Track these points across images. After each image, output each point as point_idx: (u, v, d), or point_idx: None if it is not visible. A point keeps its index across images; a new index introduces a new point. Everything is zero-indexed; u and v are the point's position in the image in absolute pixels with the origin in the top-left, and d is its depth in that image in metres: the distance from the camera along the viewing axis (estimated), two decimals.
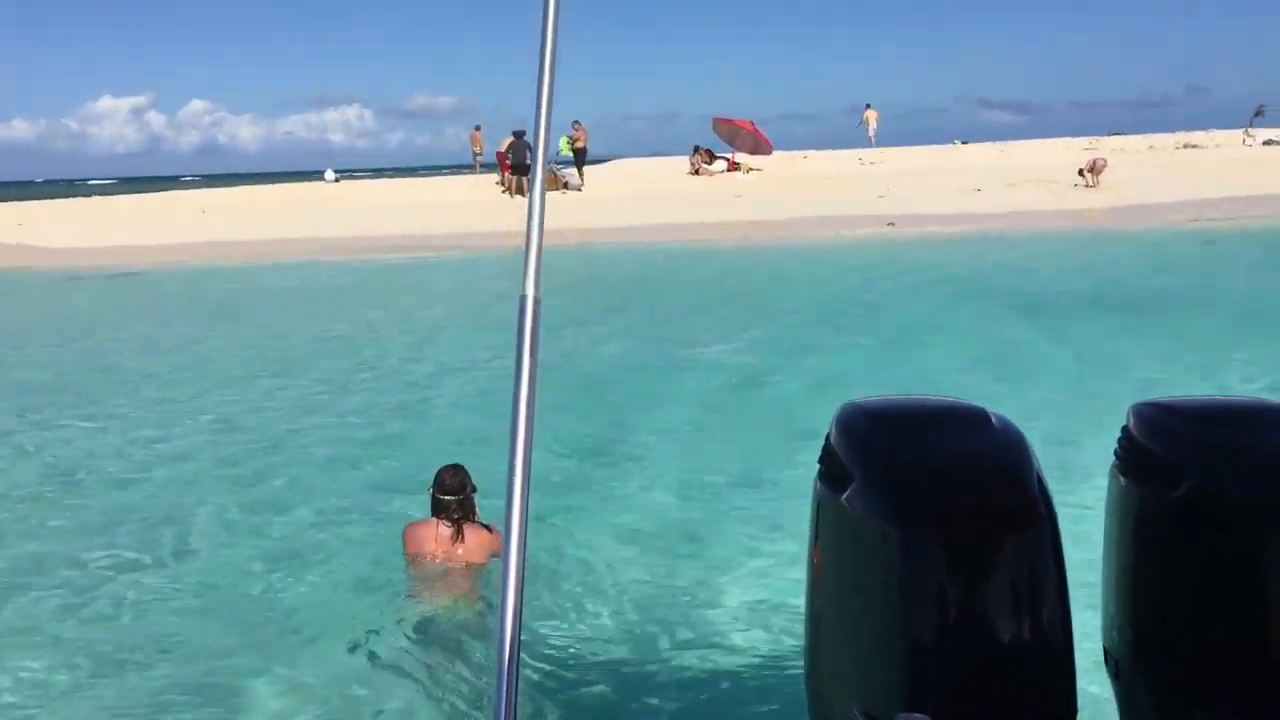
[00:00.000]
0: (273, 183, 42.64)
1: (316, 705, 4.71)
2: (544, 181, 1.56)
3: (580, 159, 33.33)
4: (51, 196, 41.59)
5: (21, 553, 6.66)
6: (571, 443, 8.22)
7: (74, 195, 43.94)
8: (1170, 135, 42.50)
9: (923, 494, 1.23)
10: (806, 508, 1.33)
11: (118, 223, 28.93)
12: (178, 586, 6.09)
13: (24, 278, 21.70)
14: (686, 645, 5.14)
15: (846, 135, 45.94)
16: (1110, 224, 24.05)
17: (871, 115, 42.22)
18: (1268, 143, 37.94)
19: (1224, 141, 39.85)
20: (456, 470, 5.54)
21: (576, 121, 32.89)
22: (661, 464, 7.97)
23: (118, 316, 16.89)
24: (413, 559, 5.57)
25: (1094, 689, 1.36)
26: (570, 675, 4.88)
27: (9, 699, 4.84)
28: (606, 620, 5.42)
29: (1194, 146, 39.68)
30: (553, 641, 5.14)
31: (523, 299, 1.46)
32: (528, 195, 1.60)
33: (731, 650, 5.05)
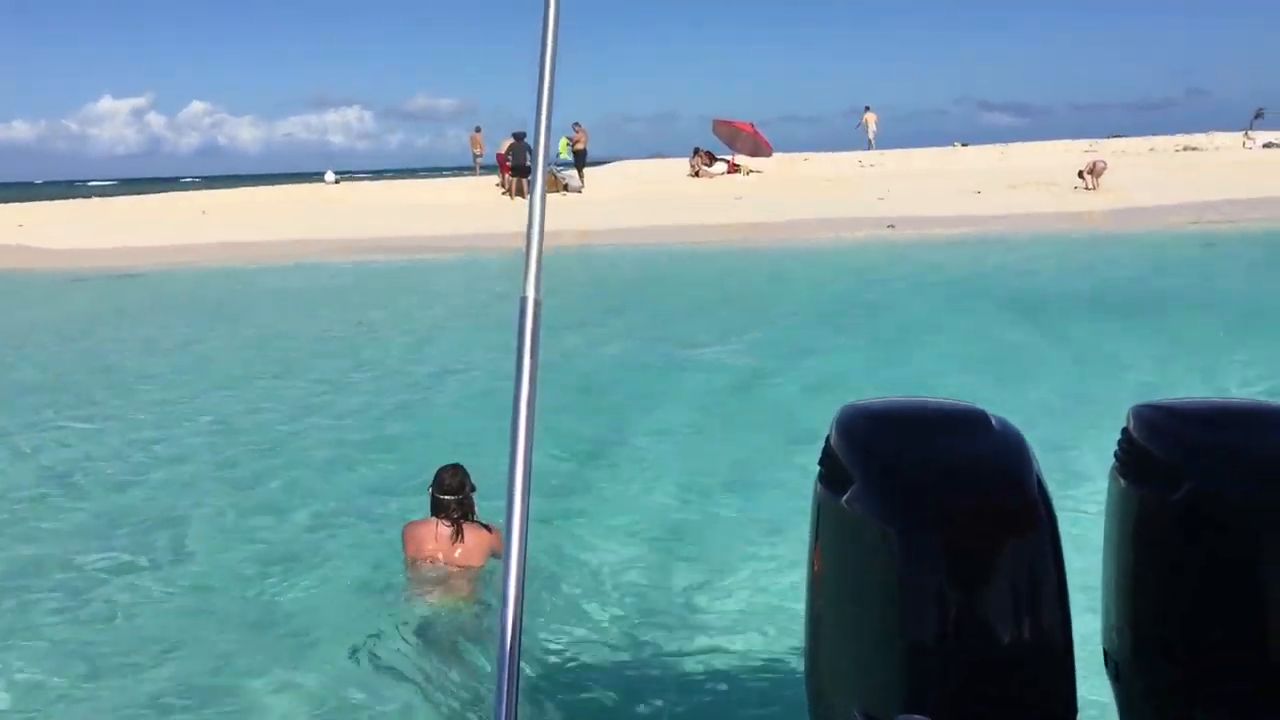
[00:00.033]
0: (273, 184, 42.58)
1: (316, 707, 4.70)
2: (544, 183, 1.56)
3: (580, 161, 33.33)
4: (51, 197, 41.57)
5: (20, 554, 6.65)
6: (572, 444, 8.22)
7: (74, 196, 43.87)
8: (1170, 138, 42.53)
9: (923, 496, 1.23)
10: (806, 509, 1.34)
11: (118, 224, 28.97)
12: (176, 588, 6.08)
13: (24, 278, 21.70)
14: (686, 646, 5.13)
15: (846, 137, 46.13)
16: (1110, 226, 24.04)
17: (871, 118, 42.25)
18: (1268, 145, 37.99)
19: (1224, 144, 39.93)
20: (456, 470, 5.54)
21: (577, 123, 32.97)
22: (661, 465, 7.97)
23: (118, 317, 16.89)
24: (412, 559, 5.57)
25: (1094, 690, 1.36)
26: (570, 676, 4.88)
27: (7, 702, 4.83)
28: (606, 621, 5.42)
29: (1194, 149, 39.70)
30: (553, 643, 5.14)
31: (523, 300, 1.47)
32: (528, 197, 1.60)
33: (731, 651, 5.04)
